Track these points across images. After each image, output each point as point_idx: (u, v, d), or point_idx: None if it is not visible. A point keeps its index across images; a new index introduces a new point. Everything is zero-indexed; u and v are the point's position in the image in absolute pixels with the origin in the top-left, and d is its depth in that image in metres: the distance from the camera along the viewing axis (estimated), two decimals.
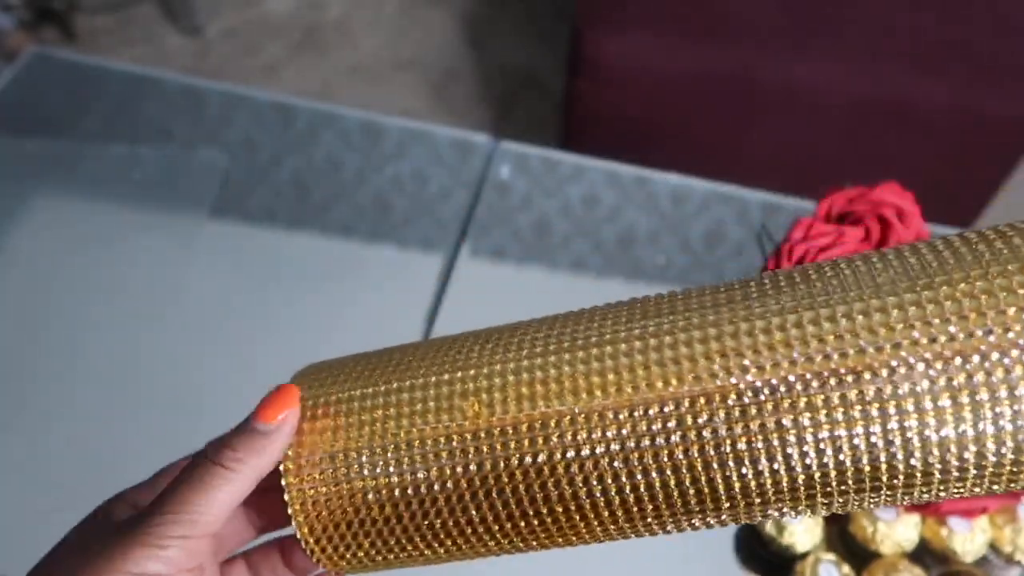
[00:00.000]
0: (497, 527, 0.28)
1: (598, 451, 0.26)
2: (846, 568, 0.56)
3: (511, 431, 0.27)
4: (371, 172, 0.83)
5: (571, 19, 1.20)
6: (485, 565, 0.60)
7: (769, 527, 0.58)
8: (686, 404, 0.26)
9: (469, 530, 0.28)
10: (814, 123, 1.20)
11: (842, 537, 0.59)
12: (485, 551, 0.30)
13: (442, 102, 1.73)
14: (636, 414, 0.26)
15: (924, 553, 0.58)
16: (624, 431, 0.26)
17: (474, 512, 0.28)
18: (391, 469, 0.28)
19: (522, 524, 0.28)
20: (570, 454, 0.27)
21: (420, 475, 0.28)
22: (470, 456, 0.27)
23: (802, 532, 0.57)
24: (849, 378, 0.25)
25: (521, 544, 0.29)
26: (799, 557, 0.57)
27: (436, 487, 0.28)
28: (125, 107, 0.87)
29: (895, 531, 0.56)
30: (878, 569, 0.56)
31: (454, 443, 0.28)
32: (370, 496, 0.28)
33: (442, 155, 0.85)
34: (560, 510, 0.27)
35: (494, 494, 0.27)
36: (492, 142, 0.86)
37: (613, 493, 0.27)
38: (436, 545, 0.29)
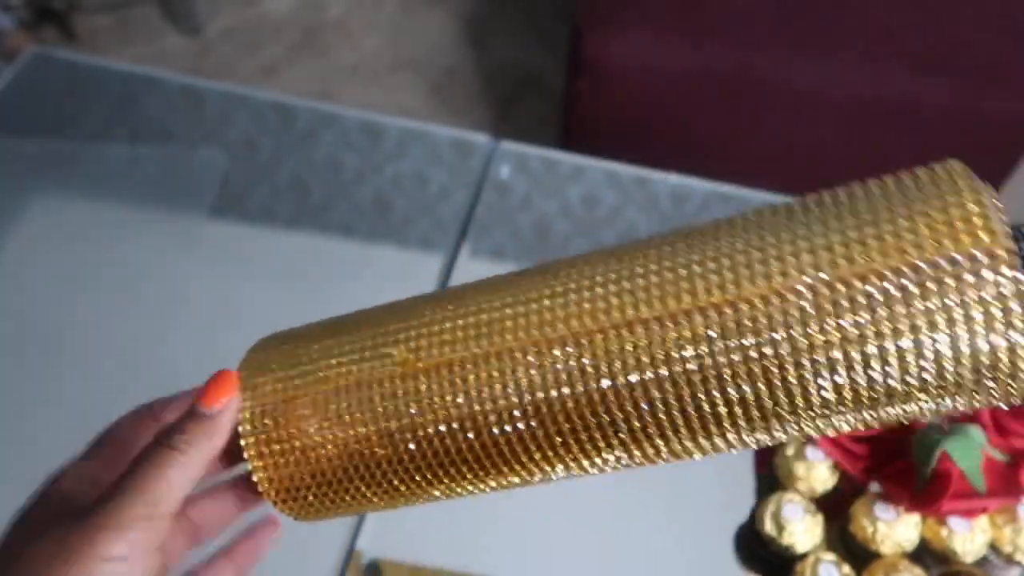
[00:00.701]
0: (427, 467, 0.30)
1: (509, 390, 0.28)
2: (846, 568, 0.56)
3: (434, 374, 0.29)
4: (371, 172, 0.83)
5: (571, 19, 1.20)
6: (497, 560, 0.60)
7: (769, 527, 0.58)
8: (586, 343, 0.27)
9: (400, 469, 0.30)
10: (814, 123, 1.20)
11: (842, 537, 0.59)
12: (421, 492, 0.31)
13: (442, 102, 1.73)
14: (556, 352, 0.28)
15: (924, 553, 0.58)
16: (532, 372, 0.28)
17: (405, 455, 0.30)
18: (331, 409, 0.30)
19: (450, 467, 0.30)
20: (485, 393, 0.29)
21: (357, 415, 0.30)
22: (399, 398, 0.29)
23: (802, 532, 0.57)
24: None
25: (455, 487, 0.31)
26: (799, 557, 0.57)
27: (371, 427, 0.30)
28: (125, 107, 0.87)
29: (895, 531, 0.56)
30: (878, 569, 0.56)
31: (385, 386, 0.30)
32: (316, 438, 0.30)
33: (442, 155, 0.85)
34: (479, 446, 0.29)
35: (420, 434, 0.29)
36: (492, 142, 0.86)
37: (524, 431, 0.28)
38: (375, 486, 0.31)
